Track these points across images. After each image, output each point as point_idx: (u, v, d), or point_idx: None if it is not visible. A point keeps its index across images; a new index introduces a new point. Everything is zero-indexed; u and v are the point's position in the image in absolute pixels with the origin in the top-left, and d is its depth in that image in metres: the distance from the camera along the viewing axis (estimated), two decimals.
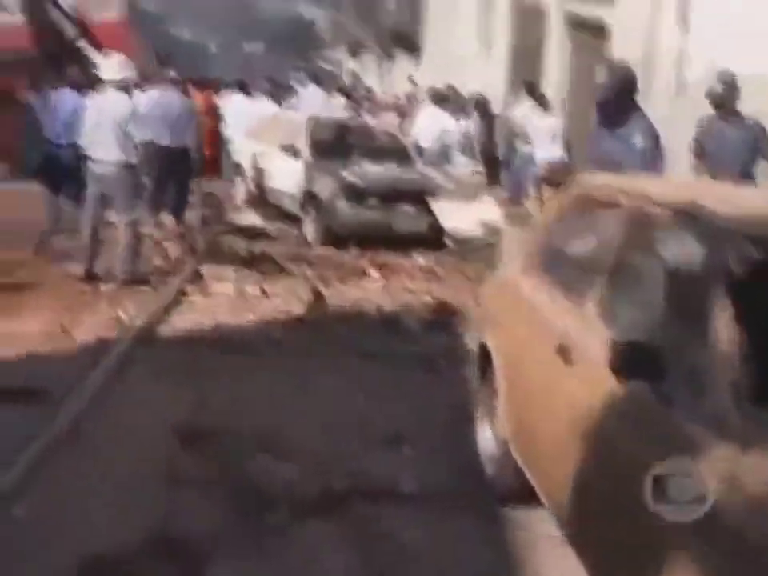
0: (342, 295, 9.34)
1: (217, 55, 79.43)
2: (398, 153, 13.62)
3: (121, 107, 9.26)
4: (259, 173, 14.03)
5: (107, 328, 7.62)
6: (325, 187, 12.15)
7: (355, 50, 47.30)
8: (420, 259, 11.23)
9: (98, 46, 18.19)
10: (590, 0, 16.15)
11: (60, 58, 18.30)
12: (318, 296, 8.99)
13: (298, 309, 8.62)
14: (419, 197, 12.16)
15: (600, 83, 7.06)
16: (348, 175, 12.21)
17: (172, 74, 13.40)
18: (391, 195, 12.04)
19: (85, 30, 18.91)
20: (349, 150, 13.44)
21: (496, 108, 17.83)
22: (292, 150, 13.02)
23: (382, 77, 42.83)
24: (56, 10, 18.78)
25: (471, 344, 5.75)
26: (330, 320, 8.36)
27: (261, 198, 14.19)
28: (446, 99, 16.02)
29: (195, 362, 6.88)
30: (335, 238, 11.93)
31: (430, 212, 12.05)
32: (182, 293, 8.83)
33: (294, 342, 7.56)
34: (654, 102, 13.94)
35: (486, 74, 22.50)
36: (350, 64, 50.64)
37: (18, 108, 18.45)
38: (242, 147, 14.83)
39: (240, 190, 14.64)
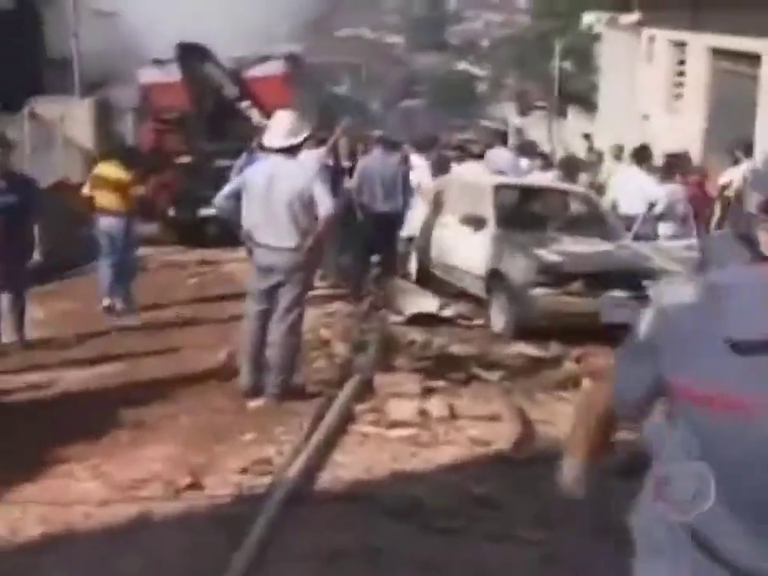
0: (553, 417, 7.21)
1: (377, 112, 79.21)
2: (600, 223, 11.48)
3: (299, 178, 7.28)
4: (435, 247, 12.08)
5: (250, 473, 5.68)
6: (517, 268, 10.08)
7: (524, 107, 45.44)
8: None
9: (260, 105, 16.81)
10: None
11: (219, 117, 17.00)
12: (523, 421, 6.88)
13: (499, 440, 6.52)
14: (633, 280, 9.96)
15: None
16: (546, 254, 10.11)
17: (379, 132, 12.13)
18: (599, 278, 9.88)
19: (245, 88, 17.52)
20: (542, 221, 11.41)
21: None
22: (475, 222, 11.04)
23: (551, 134, 40.83)
24: (215, 67, 17.44)
25: None
26: (548, 462, 6.21)
27: (435, 277, 12.23)
28: (647, 159, 13.82)
29: (364, 541, 4.83)
30: (530, 329, 9.85)
31: (647, 300, 9.83)
32: (350, 416, 6.83)
33: (504, 506, 5.44)
34: None
35: (674, 132, 20.18)
36: (516, 121, 48.77)
37: (174, 169, 17.25)
38: (414, 215, 12.86)
39: (413, 267, 12.66)
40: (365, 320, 10.32)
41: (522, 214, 11.42)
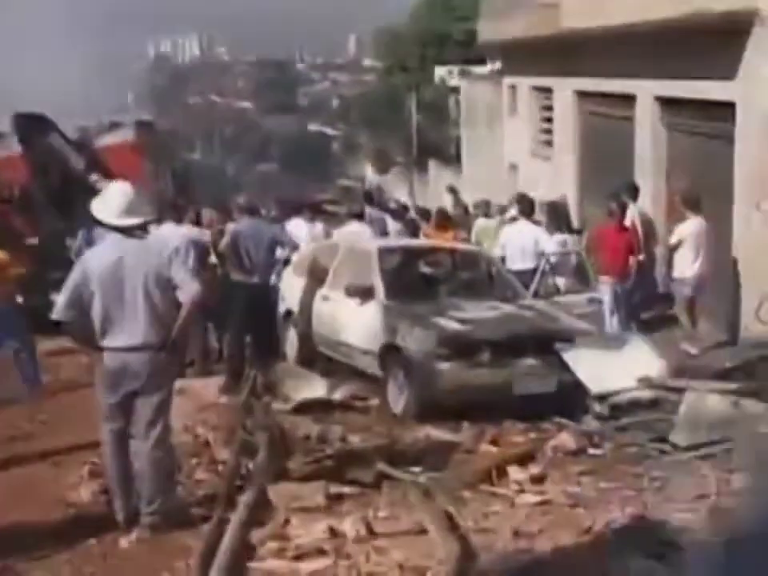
0: (487, 521, 6.09)
1: (231, 178, 77.94)
2: (495, 283, 10.55)
3: (153, 259, 6.01)
4: (317, 322, 10.92)
5: None
6: (416, 341, 8.97)
7: (383, 164, 44.80)
8: (565, 439, 7.95)
9: (112, 177, 15.49)
10: (697, 77, 13.15)
11: (66, 192, 15.57)
12: (457, 536, 5.72)
13: (432, 564, 5.35)
14: (543, 344, 9.01)
15: None
16: (446, 322, 9.05)
17: (242, 199, 11.72)
18: (508, 345, 8.88)
19: (94, 159, 16.14)
20: (434, 286, 10.43)
21: None
22: (361, 292, 9.93)
23: (412, 190, 40.28)
24: (58, 138, 16.02)
25: None
26: None
27: (319, 355, 11.06)
28: (532, 210, 13.05)
29: None
30: (434, 408, 8.76)
31: (561, 365, 8.88)
32: (248, 548, 5.56)
33: None
34: None
35: (544, 180, 19.62)
36: (375, 179, 48.17)
37: (23, 250, 15.68)
38: (290, 288, 11.67)
39: (293, 346, 11.43)
40: (247, 413, 9.07)
41: (411, 278, 10.40)
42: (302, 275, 11.38)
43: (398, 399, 9.13)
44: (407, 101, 43.95)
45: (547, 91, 20.51)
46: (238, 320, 10.51)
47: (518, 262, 12.07)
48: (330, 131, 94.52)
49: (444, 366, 8.69)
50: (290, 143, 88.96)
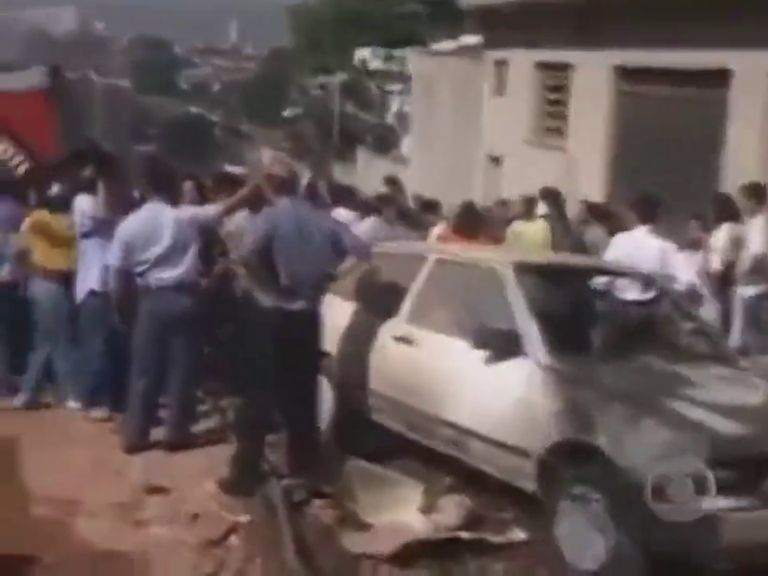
0: None
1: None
2: (699, 333, 6.52)
3: None
4: (382, 377, 6.71)
5: None
6: (657, 450, 4.84)
7: (300, 151, 40.42)
8: None
9: (10, 133, 10.94)
10: None
11: None
12: None
13: None
14: None
15: None
16: (709, 416, 4.92)
17: (276, 167, 6.44)
18: None
19: None
20: (609, 336, 6.31)
21: None
22: (497, 342, 5.75)
23: (331, 179, 36.09)
24: None
25: None
26: None
27: (368, 428, 6.90)
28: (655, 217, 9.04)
29: None
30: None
31: None
32: None
33: None
34: None
35: (550, 174, 15.67)
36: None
37: None
38: (326, 317, 7.25)
39: (326, 410, 7.13)
40: (302, 552, 4.92)
41: (576, 322, 6.22)
42: (347, 297, 7.14)
43: (585, 545, 4.99)
44: (329, 84, 39.95)
45: (557, 68, 16.70)
46: (267, 371, 6.17)
47: (634, 290, 8.11)
48: (213, 116, 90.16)
49: (721, 504, 4.58)
50: (171, 125, 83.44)
